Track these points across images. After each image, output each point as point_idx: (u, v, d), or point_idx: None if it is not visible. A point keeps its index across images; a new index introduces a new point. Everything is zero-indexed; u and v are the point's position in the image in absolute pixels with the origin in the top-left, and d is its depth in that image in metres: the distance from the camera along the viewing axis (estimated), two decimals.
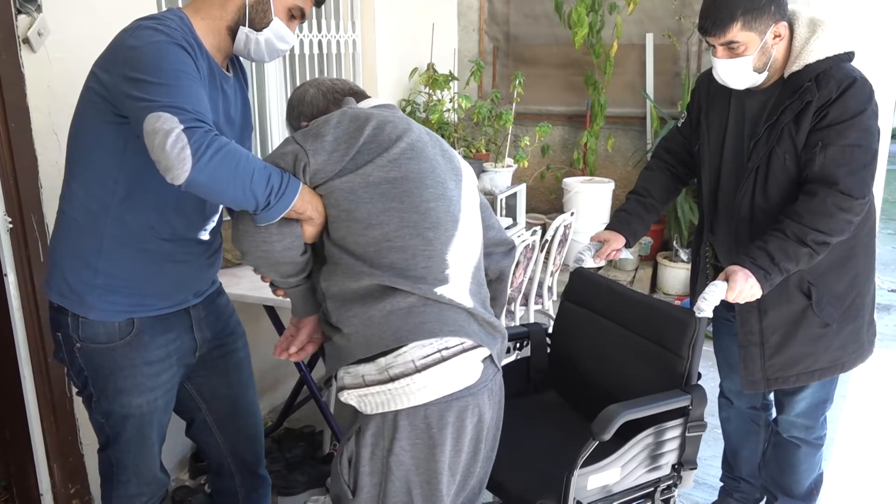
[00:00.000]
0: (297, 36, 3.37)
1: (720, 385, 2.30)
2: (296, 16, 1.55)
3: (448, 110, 4.08)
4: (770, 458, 2.20)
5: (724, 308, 1.92)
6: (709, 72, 1.98)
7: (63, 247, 1.54)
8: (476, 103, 4.11)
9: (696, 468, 1.81)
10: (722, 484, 2.42)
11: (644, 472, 1.74)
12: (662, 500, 1.82)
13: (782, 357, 1.93)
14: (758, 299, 1.76)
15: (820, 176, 1.75)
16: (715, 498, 2.44)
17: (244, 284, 2.45)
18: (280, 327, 2.54)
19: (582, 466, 1.61)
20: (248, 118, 1.71)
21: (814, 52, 1.78)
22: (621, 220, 2.13)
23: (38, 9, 1.95)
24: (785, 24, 1.79)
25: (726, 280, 1.74)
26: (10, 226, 1.98)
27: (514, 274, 2.81)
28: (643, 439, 1.70)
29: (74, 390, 2.05)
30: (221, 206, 1.64)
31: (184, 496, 2.50)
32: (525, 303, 3.21)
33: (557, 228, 3.22)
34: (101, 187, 1.47)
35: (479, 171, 3.75)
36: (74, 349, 1.55)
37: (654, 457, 1.74)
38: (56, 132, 2.06)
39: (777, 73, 1.85)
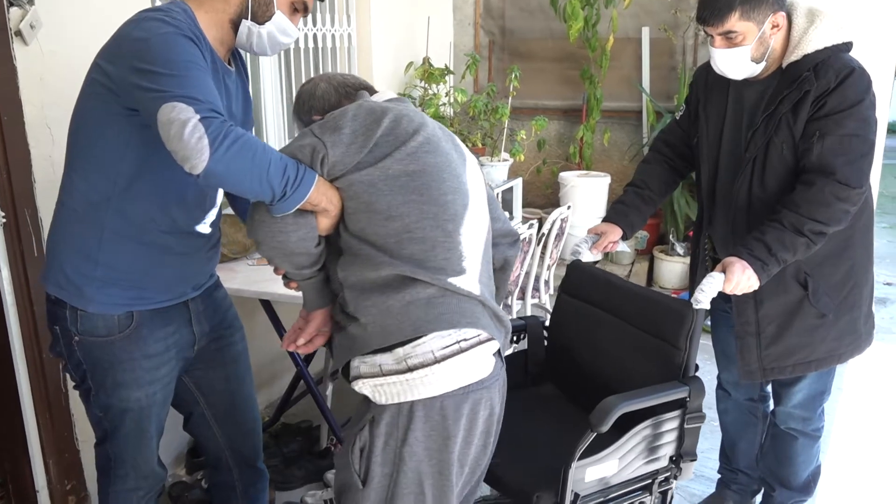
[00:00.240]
0: (300, 30, 3.36)
1: (718, 377, 2.30)
2: (299, 9, 1.55)
3: (444, 104, 4.07)
4: (768, 450, 2.20)
5: (722, 300, 1.92)
6: (707, 64, 1.98)
7: (62, 239, 1.53)
8: (472, 97, 4.10)
9: (695, 459, 1.81)
10: (720, 476, 2.43)
11: (642, 464, 1.74)
12: (660, 493, 1.82)
13: (779, 347, 1.93)
14: (754, 290, 1.76)
15: (817, 165, 1.75)
16: (713, 490, 2.45)
17: (240, 279, 2.44)
18: (276, 322, 2.53)
19: (580, 458, 1.61)
20: (249, 113, 1.71)
21: (812, 41, 1.77)
22: (618, 212, 2.12)
23: (31, 1, 1.93)
24: (783, 13, 1.78)
25: (724, 271, 1.73)
26: (4, 220, 1.97)
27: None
28: (641, 431, 1.70)
29: (70, 385, 2.04)
30: (220, 200, 1.64)
31: (180, 491, 2.49)
32: (522, 297, 3.21)
33: (554, 222, 3.21)
34: (104, 178, 1.46)
35: None
36: (73, 342, 1.54)
37: (652, 449, 1.74)
38: (49, 125, 2.04)
39: (775, 63, 1.85)
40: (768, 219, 1.78)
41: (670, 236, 4.37)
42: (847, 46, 1.80)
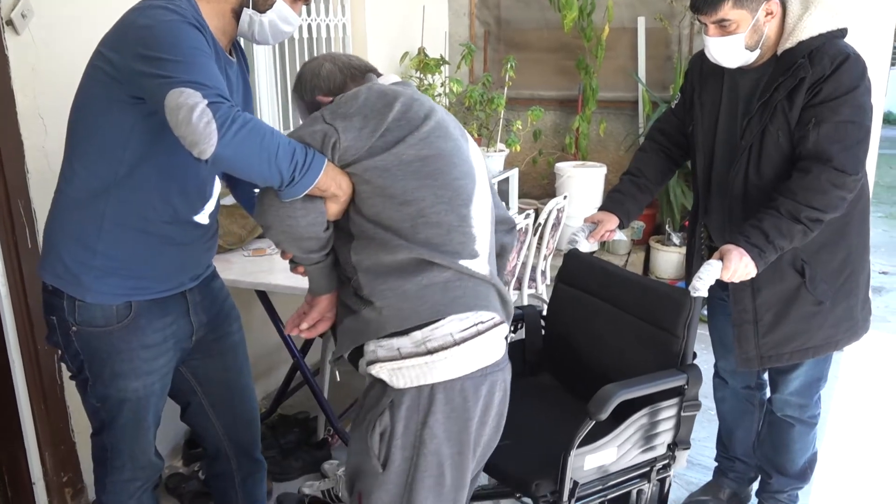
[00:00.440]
0: (311, 18, 3.34)
1: (715, 365, 2.30)
2: None
3: (439, 95, 4.05)
4: (764, 438, 2.21)
5: (719, 288, 1.92)
6: (702, 52, 1.98)
7: (60, 227, 1.52)
8: (467, 88, 4.09)
9: (689, 448, 1.81)
10: (717, 464, 2.43)
11: (640, 452, 1.74)
12: (658, 480, 1.82)
13: (776, 335, 1.93)
14: (752, 277, 1.76)
15: (814, 153, 1.75)
16: (710, 478, 2.45)
17: (235, 270, 2.44)
18: (272, 312, 2.53)
19: (578, 447, 1.61)
20: (250, 104, 1.71)
21: (807, 28, 1.77)
22: (615, 200, 2.12)
23: None
24: (777, 1, 1.78)
25: (721, 259, 1.73)
26: None
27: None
28: (639, 419, 1.70)
29: (66, 376, 2.03)
30: (217, 192, 1.63)
31: (177, 483, 2.49)
32: (518, 287, 3.21)
33: (550, 212, 3.21)
34: (105, 166, 1.45)
35: None
36: (70, 332, 1.53)
37: (650, 437, 1.74)
38: (42, 116, 2.03)
39: (770, 50, 1.84)
40: (765, 206, 1.78)
41: (666, 226, 4.37)
42: (842, 33, 1.80)
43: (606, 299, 1.97)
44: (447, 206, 1.38)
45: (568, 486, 1.63)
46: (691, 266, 2.17)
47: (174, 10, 1.36)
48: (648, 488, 1.80)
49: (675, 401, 1.74)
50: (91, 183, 1.47)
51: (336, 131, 1.33)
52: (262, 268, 2.49)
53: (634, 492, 1.80)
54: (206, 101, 1.23)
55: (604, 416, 1.59)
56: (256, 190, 1.74)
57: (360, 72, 1.53)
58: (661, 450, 1.79)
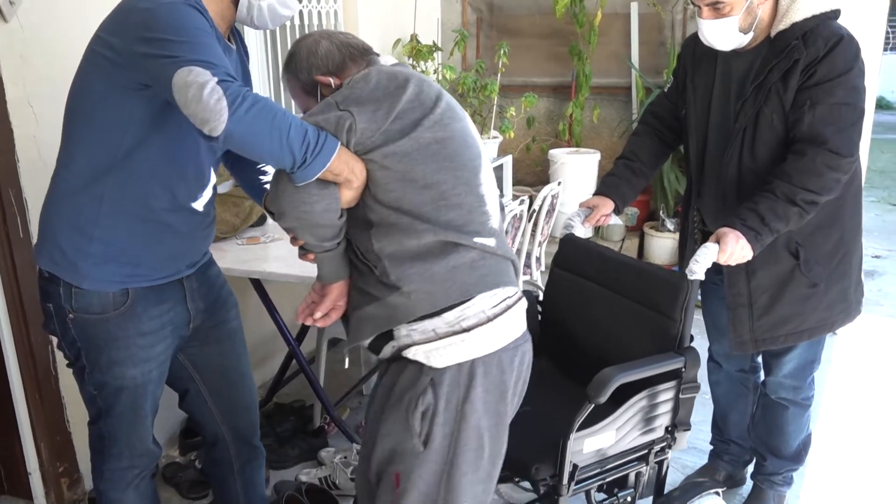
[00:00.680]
0: (302, 4, 3.31)
1: (709, 349, 2.31)
2: None
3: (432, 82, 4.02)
4: (759, 420, 2.22)
5: (713, 271, 1.92)
6: (695, 35, 1.97)
7: (57, 213, 1.50)
8: (461, 74, 4.07)
9: (689, 429, 1.82)
10: (712, 447, 2.45)
11: (638, 435, 1.75)
12: (656, 463, 1.83)
13: (771, 318, 1.94)
14: (747, 260, 1.77)
15: (808, 135, 1.75)
16: (705, 461, 2.47)
17: (229, 258, 2.43)
18: (267, 300, 2.52)
19: (577, 430, 1.62)
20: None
21: (800, 10, 1.77)
22: (609, 184, 2.11)
23: None
24: None
25: (717, 242, 1.74)
26: None
27: None
28: (637, 402, 1.70)
29: (61, 366, 2.02)
30: (213, 180, 1.62)
31: (174, 472, 2.49)
32: None
33: (545, 198, 3.21)
34: (104, 151, 1.44)
35: None
36: (67, 320, 1.52)
37: (648, 419, 1.75)
38: (31, 104, 2.01)
39: (763, 32, 1.84)
40: (760, 189, 1.78)
41: (660, 212, 4.37)
42: (835, 14, 1.80)
43: (603, 284, 1.97)
44: (466, 186, 1.40)
45: (567, 469, 1.64)
46: (684, 250, 2.17)
47: None
48: (646, 471, 1.81)
49: (672, 383, 1.75)
50: (89, 168, 1.45)
51: (351, 115, 1.32)
52: (257, 256, 2.48)
53: (632, 474, 1.81)
54: (216, 79, 1.23)
55: (603, 399, 1.60)
56: (262, 177, 1.73)
57: (359, 51, 1.50)
58: (659, 432, 1.79)
